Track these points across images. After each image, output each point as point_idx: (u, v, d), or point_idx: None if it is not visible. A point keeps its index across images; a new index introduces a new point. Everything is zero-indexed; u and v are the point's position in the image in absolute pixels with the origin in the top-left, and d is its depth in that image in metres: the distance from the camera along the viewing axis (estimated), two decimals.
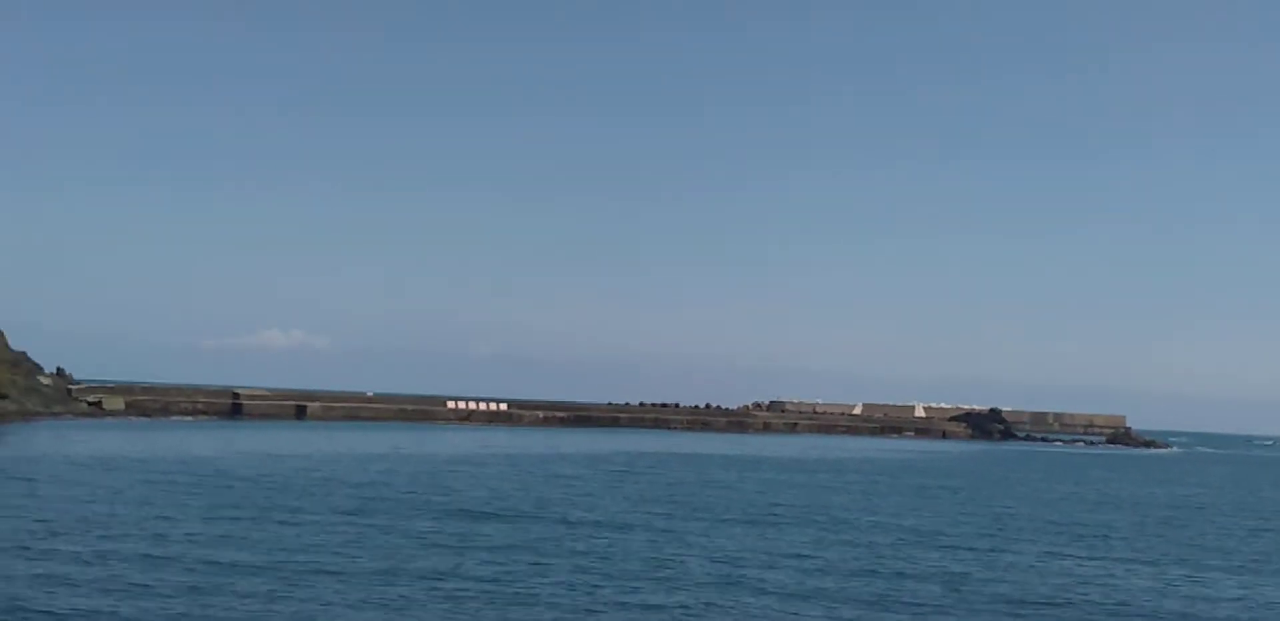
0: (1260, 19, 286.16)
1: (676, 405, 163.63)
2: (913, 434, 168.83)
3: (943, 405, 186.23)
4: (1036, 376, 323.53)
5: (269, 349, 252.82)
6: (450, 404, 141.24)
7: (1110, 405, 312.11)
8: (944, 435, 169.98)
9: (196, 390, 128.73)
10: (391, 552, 29.11)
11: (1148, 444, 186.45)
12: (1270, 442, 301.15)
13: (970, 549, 35.50)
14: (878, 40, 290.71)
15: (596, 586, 25.86)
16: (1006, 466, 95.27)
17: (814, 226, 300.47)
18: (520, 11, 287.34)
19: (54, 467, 48.44)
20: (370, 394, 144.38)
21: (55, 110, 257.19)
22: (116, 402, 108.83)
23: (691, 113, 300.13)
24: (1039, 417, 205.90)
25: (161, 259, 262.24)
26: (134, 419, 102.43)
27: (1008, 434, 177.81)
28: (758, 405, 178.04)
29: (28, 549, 27.36)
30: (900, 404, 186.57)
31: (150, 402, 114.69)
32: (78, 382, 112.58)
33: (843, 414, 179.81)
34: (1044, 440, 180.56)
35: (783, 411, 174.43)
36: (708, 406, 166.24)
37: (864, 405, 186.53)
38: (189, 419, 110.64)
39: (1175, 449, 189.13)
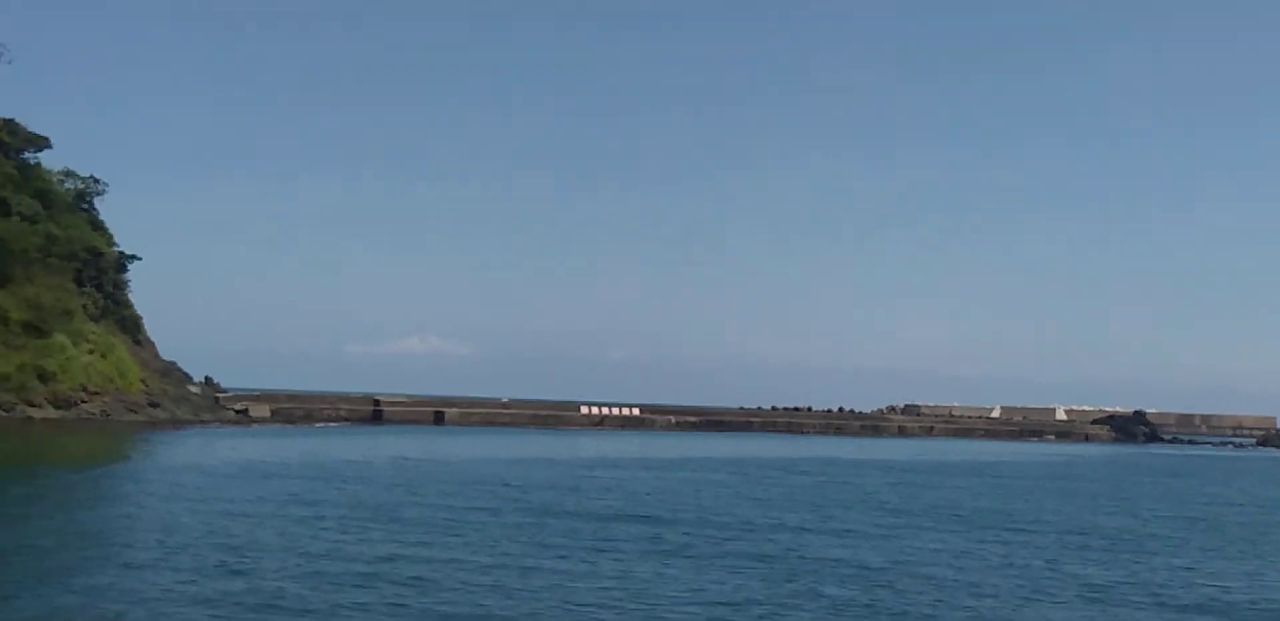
0: None
1: (809, 409, 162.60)
2: (1053, 437, 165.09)
3: (1085, 407, 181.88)
4: (1181, 377, 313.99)
5: (409, 356, 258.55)
6: (584, 409, 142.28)
7: (1260, 406, 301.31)
8: (1086, 438, 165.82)
9: (339, 397, 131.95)
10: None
11: None
12: None
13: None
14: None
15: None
16: (1172, 471, 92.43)
17: (949, 224, 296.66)
18: None
19: (233, 469, 49.96)
20: (505, 400, 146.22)
21: (206, 110, 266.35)
22: (262, 410, 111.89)
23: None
24: (1185, 419, 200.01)
25: (305, 268, 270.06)
26: (279, 426, 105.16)
27: (1153, 436, 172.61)
28: (892, 408, 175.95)
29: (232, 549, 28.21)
30: (1040, 406, 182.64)
31: (294, 410, 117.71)
32: (225, 391, 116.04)
33: (980, 417, 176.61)
34: (1191, 443, 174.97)
35: (918, 415, 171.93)
36: (841, 410, 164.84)
37: (1002, 408, 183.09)
38: (332, 425, 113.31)
39: None
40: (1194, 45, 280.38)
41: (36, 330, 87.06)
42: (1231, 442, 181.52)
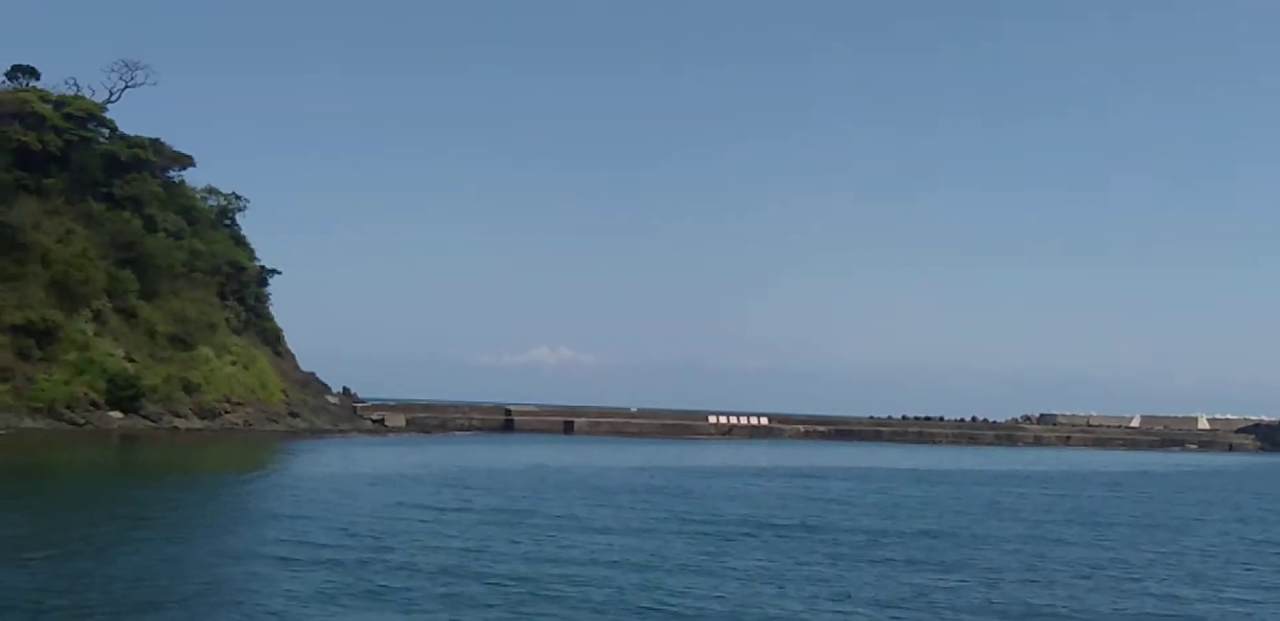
0: None
1: (941, 418, 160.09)
2: (1195, 447, 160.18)
3: (1229, 416, 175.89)
4: None
5: (539, 366, 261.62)
6: (711, 418, 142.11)
7: None
8: (1230, 448, 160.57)
9: (471, 407, 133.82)
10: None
11: None
12: None
13: None
14: None
15: None
16: None
17: (1070, 235, 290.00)
18: None
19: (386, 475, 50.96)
20: (634, 409, 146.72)
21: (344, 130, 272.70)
22: (398, 420, 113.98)
23: None
24: None
25: (438, 280, 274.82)
26: (414, 435, 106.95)
27: None
28: (1027, 418, 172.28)
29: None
30: (1182, 415, 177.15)
31: (429, 419, 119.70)
32: (362, 401, 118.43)
33: (1119, 426, 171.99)
34: None
35: (1054, 424, 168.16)
36: (974, 419, 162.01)
37: (1141, 417, 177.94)
38: (465, 434, 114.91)
39: None
40: None
41: (182, 343, 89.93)
42: None
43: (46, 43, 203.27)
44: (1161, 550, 35.79)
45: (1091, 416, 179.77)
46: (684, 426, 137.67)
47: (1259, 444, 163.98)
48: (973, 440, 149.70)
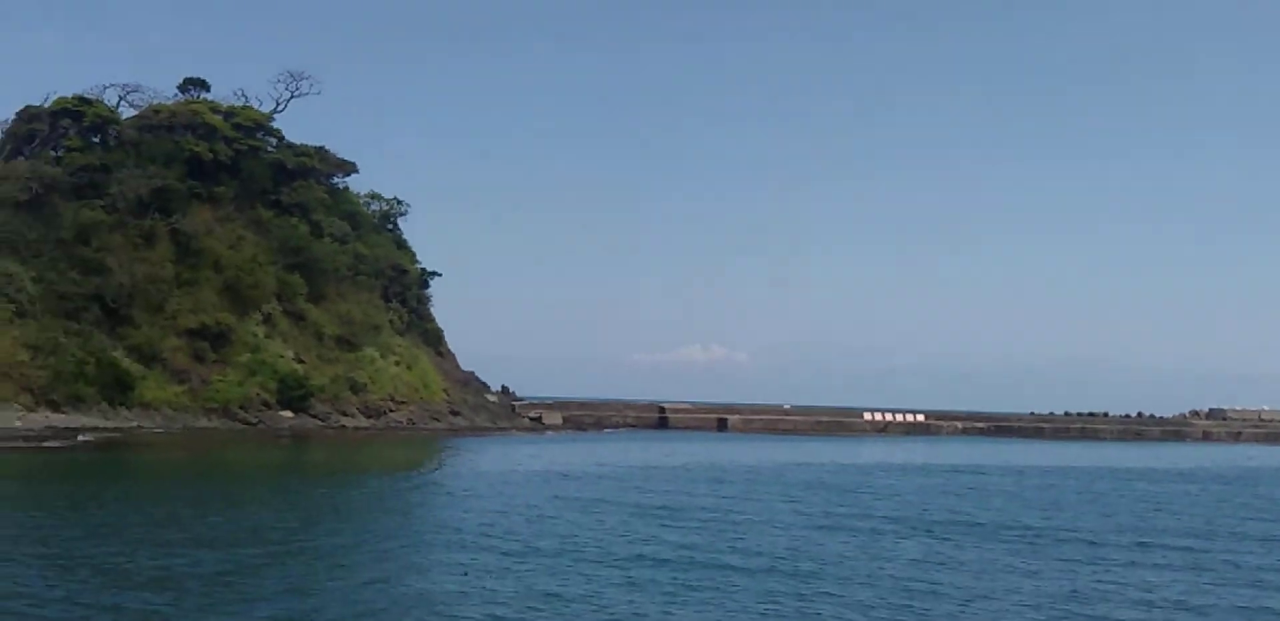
0: None
1: (1105, 414, 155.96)
2: None
3: None
4: None
5: (692, 363, 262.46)
6: (866, 415, 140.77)
7: None
8: None
9: (625, 404, 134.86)
10: None
11: None
12: None
13: None
14: None
15: None
16: None
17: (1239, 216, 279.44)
18: None
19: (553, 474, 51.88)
20: (787, 406, 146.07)
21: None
22: (555, 417, 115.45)
23: None
24: None
25: (599, 281, 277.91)
26: (570, 432, 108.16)
27: None
28: (1195, 413, 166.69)
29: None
30: None
31: (585, 417, 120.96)
32: (520, 399, 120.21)
33: None
34: None
35: (1224, 419, 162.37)
36: (1139, 415, 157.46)
37: None
38: (620, 431, 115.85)
39: None
40: None
41: (348, 344, 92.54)
42: None
43: (217, 55, 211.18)
44: None
45: (1264, 410, 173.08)
46: (838, 423, 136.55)
47: None
48: (1138, 436, 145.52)
